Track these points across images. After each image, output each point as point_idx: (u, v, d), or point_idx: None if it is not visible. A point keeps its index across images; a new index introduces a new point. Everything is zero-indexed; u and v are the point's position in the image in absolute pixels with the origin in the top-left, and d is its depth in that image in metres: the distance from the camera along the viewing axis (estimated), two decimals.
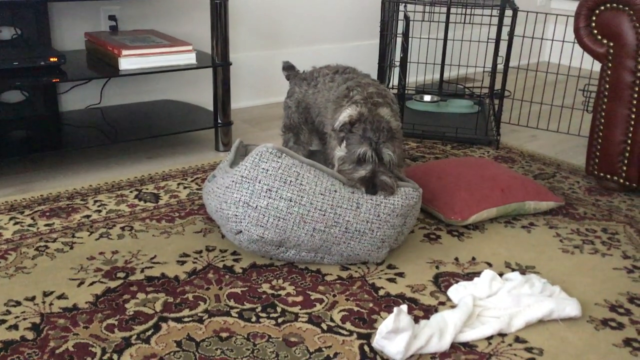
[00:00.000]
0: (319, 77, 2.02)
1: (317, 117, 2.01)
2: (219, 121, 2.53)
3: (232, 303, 1.53)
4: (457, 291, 1.57)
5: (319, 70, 2.06)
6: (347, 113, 1.70)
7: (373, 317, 1.50)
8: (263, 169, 1.62)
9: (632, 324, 1.51)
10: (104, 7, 2.61)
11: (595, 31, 2.17)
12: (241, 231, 1.64)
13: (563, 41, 2.66)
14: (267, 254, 1.68)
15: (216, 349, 1.37)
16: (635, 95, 2.10)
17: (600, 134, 2.21)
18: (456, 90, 3.26)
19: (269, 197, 1.60)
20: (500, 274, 1.64)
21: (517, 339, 1.43)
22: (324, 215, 1.61)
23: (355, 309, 1.53)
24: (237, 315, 1.48)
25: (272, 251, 1.67)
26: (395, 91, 2.64)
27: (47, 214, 1.95)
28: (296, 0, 3.17)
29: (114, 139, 2.36)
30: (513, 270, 1.72)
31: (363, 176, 1.64)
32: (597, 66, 2.23)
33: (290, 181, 1.61)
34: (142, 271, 1.65)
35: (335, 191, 1.63)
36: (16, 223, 1.88)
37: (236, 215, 1.63)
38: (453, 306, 1.54)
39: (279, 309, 1.51)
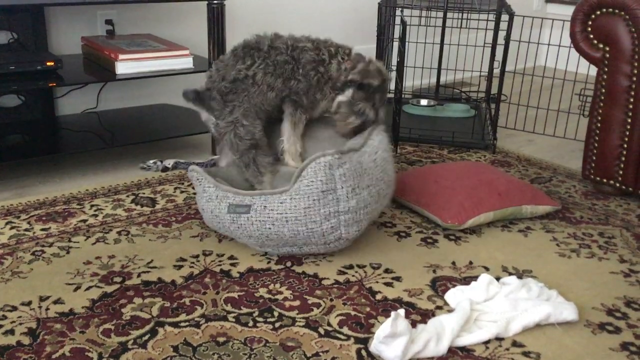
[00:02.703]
0: (246, 77, 1.89)
1: (282, 94, 1.92)
2: None
3: (229, 307, 1.53)
4: (455, 295, 1.57)
5: (228, 76, 1.89)
6: (371, 74, 1.97)
7: (370, 321, 1.49)
8: (340, 175, 1.67)
9: (629, 328, 1.51)
10: (100, 12, 2.61)
11: (591, 36, 2.17)
12: (341, 237, 1.69)
13: (559, 46, 2.67)
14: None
15: (213, 354, 1.36)
16: (631, 100, 2.11)
17: (597, 138, 2.22)
18: (453, 94, 3.27)
19: (356, 194, 1.68)
20: (497, 278, 1.64)
21: (515, 343, 1.43)
22: (383, 180, 1.80)
23: (353, 313, 1.52)
24: (234, 320, 1.48)
25: (359, 233, 1.77)
26: (392, 95, 2.64)
27: (44, 218, 1.94)
28: (293, 4, 3.18)
29: (110, 143, 2.36)
30: (510, 274, 1.72)
31: (356, 126, 1.93)
32: (593, 71, 2.24)
33: (360, 172, 1.71)
34: (138, 276, 1.65)
35: (376, 154, 1.80)
36: (12, 227, 1.88)
37: (332, 227, 1.67)
38: (450, 310, 1.54)
39: (276, 314, 1.51)
